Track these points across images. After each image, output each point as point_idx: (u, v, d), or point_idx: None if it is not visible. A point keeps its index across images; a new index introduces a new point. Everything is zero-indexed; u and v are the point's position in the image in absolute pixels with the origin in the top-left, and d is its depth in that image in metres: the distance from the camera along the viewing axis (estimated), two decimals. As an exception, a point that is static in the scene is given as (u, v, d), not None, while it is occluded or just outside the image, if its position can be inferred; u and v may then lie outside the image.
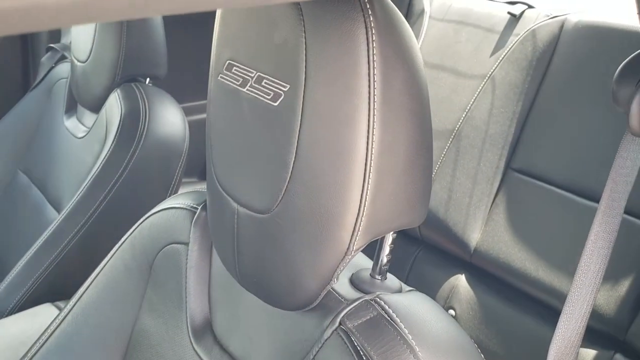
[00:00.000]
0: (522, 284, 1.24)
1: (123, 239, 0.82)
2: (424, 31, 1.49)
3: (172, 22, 1.32)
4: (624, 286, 1.10)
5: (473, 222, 1.32)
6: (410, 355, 0.52)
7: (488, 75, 1.35)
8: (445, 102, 1.40)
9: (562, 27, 1.28)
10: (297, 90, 0.52)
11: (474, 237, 1.32)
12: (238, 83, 0.57)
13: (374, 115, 0.51)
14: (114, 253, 0.82)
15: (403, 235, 1.46)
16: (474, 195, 1.32)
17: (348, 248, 0.54)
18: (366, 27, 0.50)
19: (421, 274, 1.42)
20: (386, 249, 0.62)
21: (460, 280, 1.35)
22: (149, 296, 0.78)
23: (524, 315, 1.23)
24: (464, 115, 1.37)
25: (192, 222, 0.74)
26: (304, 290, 0.57)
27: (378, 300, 0.58)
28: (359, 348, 0.54)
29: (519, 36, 1.33)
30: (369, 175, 0.52)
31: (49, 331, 0.83)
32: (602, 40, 1.21)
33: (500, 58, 1.34)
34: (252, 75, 0.56)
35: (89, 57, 1.27)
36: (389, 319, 0.55)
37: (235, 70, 0.58)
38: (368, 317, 0.56)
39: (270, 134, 0.54)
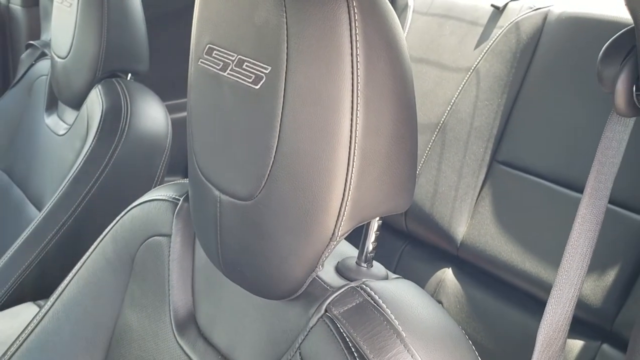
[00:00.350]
0: (509, 276, 1.24)
1: (104, 233, 0.80)
2: (407, 25, 1.49)
3: (156, 19, 1.31)
4: (610, 276, 1.10)
5: (459, 215, 1.31)
6: (397, 341, 0.51)
7: (472, 68, 1.35)
8: (430, 96, 1.40)
9: (545, 18, 1.28)
10: (278, 72, 0.50)
11: (461, 230, 1.31)
12: (219, 67, 0.56)
13: (357, 96, 0.50)
14: (95, 247, 0.80)
15: (390, 230, 1.46)
16: (459, 188, 1.32)
17: (333, 233, 0.53)
18: (348, 7, 0.49)
19: (408, 268, 1.41)
20: (372, 236, 0.61)
21: (447, 274, 1.34)
22: (131, 290, 0.76)
23: (512, 308, 1.23)
24: (448, 109, 1.36)
25: (174, 213, 0.73)
26: (289, 278, 0.56)
27: (364, 287, 0.57)
28: (345, 335, 0.53)
29: (502, 28, 1.33)
30: (354, 158, 0.51)
31: (29, 329, 0.81)
32: (585, 32, 1.21)
33: (485, 51, 1.34)
34: (233, 58, 0.54)
35: (69, 52, 1.25)
36: (375, 305, 0.54)
37: (215, 54, 0.56)
38: (354, 304, 0.55)
39: (252, 118, 0.53)
